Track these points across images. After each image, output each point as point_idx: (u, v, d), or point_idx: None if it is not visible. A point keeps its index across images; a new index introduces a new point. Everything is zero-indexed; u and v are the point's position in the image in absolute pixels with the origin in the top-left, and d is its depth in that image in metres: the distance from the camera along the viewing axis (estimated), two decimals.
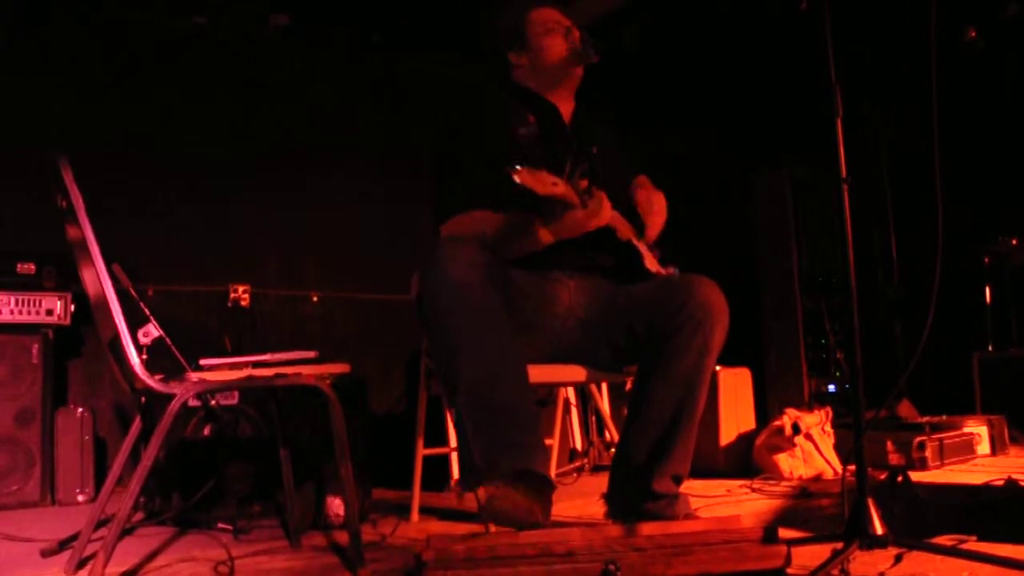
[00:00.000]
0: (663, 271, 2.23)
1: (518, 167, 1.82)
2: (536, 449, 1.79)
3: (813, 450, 3.21)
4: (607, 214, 2.01)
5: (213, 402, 2.68)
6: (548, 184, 1.87)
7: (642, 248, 2.20)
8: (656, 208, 2.23)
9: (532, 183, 1.84)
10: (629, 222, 2.20)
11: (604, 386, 3.70)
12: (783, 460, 3.20)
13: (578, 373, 2.20)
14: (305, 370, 2.01)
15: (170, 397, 1.76)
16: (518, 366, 1.87)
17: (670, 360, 1.96)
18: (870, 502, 1.67)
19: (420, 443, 2.65)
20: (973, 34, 4.12)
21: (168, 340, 2.71)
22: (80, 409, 3.17)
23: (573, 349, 2.17)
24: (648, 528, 1.56)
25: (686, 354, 1.95)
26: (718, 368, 3.52)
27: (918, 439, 3.22)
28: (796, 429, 3.20)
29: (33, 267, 3.13)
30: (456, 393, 1.82)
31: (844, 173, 1.85)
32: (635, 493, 1.99)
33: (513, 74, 2.32)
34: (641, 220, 2.22)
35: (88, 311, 2.03)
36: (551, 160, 2.03)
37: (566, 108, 2.33)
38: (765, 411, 4.18)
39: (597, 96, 2.42)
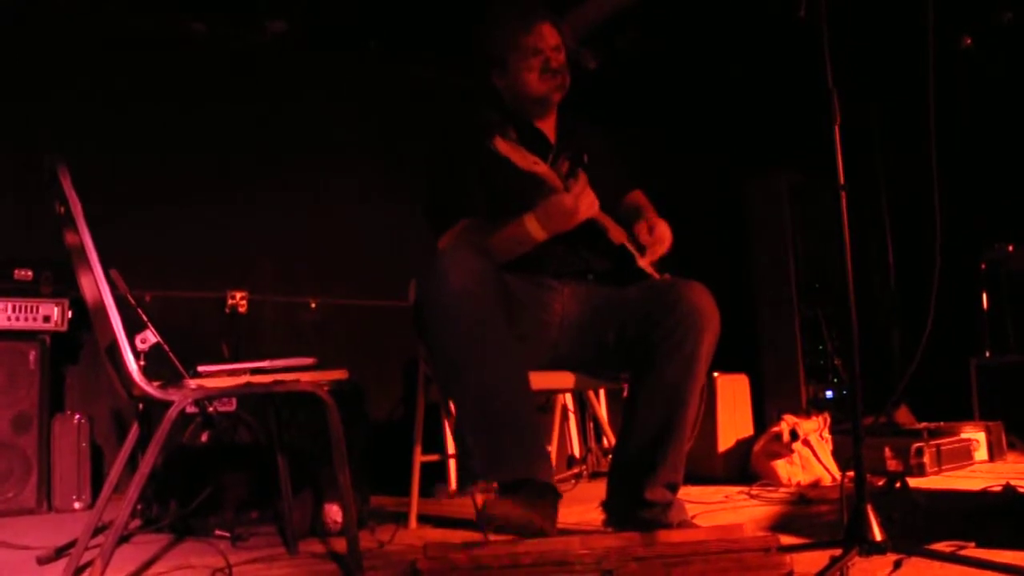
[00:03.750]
0: (656, 274, 2.23)
1: (498, 138, 1.82)
2: (539, 458, 1.78)
3: (811, 456, 3.21)
4: (593, 200, 2.00)
5: (211, 409, 2.68)
6: (529, 161, 1.87)
7: (634, 251, 2.20)
8: (659, 238, 2.23)
9: (512, 155, 1.84)
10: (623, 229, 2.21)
11: (602, 392, 3.69)
12: (781, 466, 3.20)
13: (567, 380, 2.20)
14: (303, 377, 2.01)
15: (168, 404, 1.75)
16: (521, 374, 1.86)
17: (660, 367, 1.96)
18: (868, 508, 1.67)
19: (418, 450, 2.64)
20: (968, 42, 4.14)
21: (166, 346, 2.71)
22: (77, 416, 3.16)
23: (567, 357, 2.17)
24: (647, 537, 1.56)
25: (675, 360, 1.94)
26: (716, 374, 3.52)
27: (916, 445, 3.22)
28: (794, 435, 3.20)
29: (30, 273, 3.13)
30: (459, 402, 1.82)
31: (842, 180, 1.85)
32: (630, 501, 1.99)
33: (500, 94, 2.34)
34: (637, 238, 2.22)
35: (86, 317, 2.03)
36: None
37: (550, 123, 2.34)
38: (763, 417, 4.19)
39: (590, 102, 2.43)
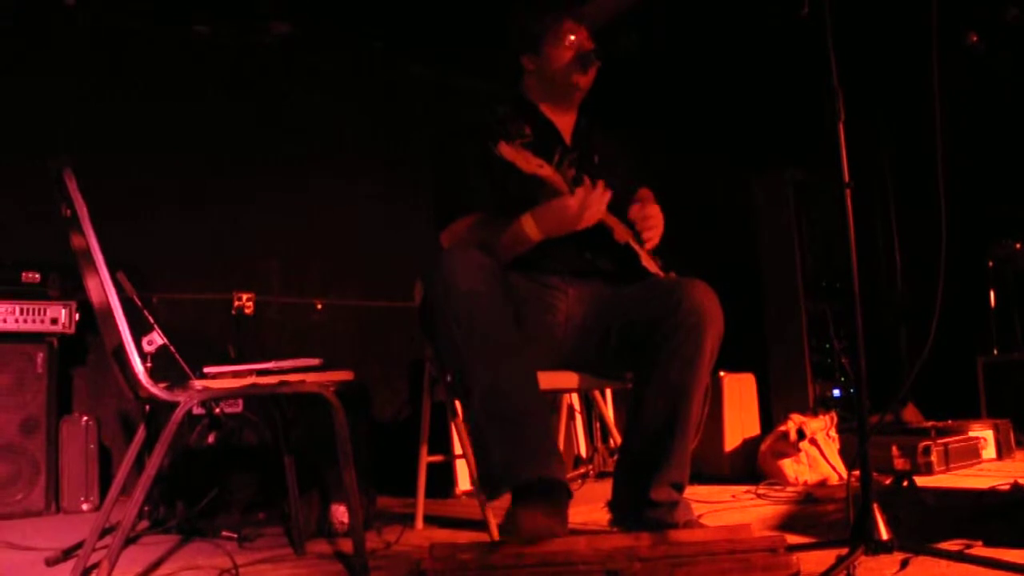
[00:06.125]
0: (661, 273, 2.23)
1: (503, 143, 1.82)
2: (552, 456, 1.78)
3: (818, 455, 3.21)
4: (599, 205, 1.99)
5: (217, 410, 2.69)
6: (533, 164, 1.87)
7: (640, 249, 2.20)
8: (652, 222, 2.23)
9: (516, 158, 1.84)
10: (629, 228, 2.21)
11: (608, 392, 3.69)
12: (788, 465, 3.19)
13: (571, 380, 2.20)
14: (309, 378, 2.01)
15: (174, 405, 1.76)
16: (529, 373, 1.86)
17: (662, 366, 1.95)
18: (875, 507, 1.67)
19: (424, 450, 2.64)
20: (975, 38, 4.12)
21: (172, 348, 2.72)
22: (85, 417, 3.17)
23: (571, 357, 2.17)
24: (652, 537, 1.56)
25: (678, 360, 1.93)
26: (722, 373, 3.52)
27: (923, 444, 3.21)
28: (801, 434, 3.19)
29: (38, 276, 3.14)
30: (468, 402, 1.82)
31: (847, 178, 1.85)
32: (635, 501, 1.98)
33: (523, 81, 2.34)
34: (632, 224, 2.23)
35: (93, 319, 2.03)
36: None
37: (567, 121, 2.34)
38: (770, 416, 4.17)
39: (598, 102, 2.43)
